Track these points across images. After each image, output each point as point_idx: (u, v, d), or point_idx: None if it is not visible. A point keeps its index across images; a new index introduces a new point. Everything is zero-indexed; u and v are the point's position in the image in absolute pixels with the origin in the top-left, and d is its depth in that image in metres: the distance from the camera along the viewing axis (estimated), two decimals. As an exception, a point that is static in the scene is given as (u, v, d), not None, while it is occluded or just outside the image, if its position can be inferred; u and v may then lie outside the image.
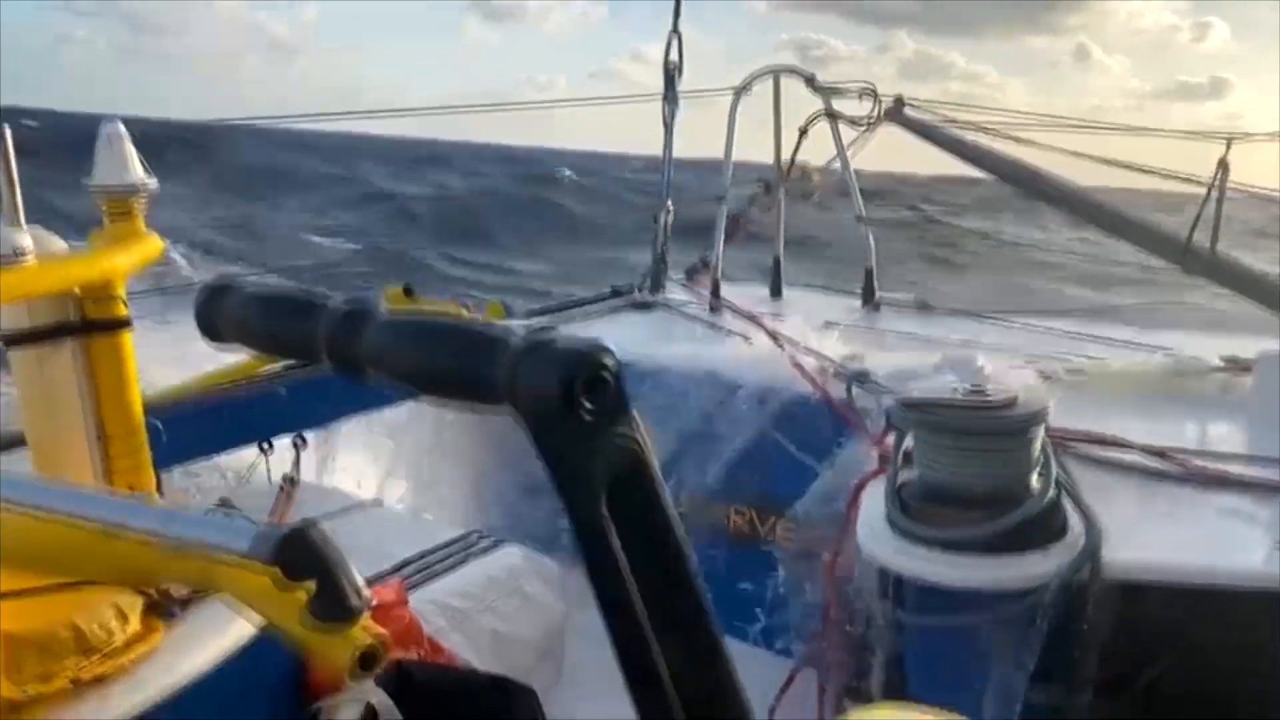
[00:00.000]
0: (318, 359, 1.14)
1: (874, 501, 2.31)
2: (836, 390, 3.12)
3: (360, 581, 1.09)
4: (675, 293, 4.59)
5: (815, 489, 2.89)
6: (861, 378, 3.08)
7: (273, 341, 1.28)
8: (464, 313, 4.10)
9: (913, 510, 2.17)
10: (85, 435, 2.19)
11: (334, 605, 1.07)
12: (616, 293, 4.56)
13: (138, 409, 2.27)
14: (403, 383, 1.11)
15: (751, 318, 3.95)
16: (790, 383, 3.30)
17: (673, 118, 4.49)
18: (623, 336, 3.93)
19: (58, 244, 2.13)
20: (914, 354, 3.49)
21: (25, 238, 1.94)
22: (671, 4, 4.37)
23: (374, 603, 1.07)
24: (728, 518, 3.52)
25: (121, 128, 2.24)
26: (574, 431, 0.92)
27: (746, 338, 3.79)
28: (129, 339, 2.22)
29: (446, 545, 2.82)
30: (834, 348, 3.50)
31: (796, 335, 3.63)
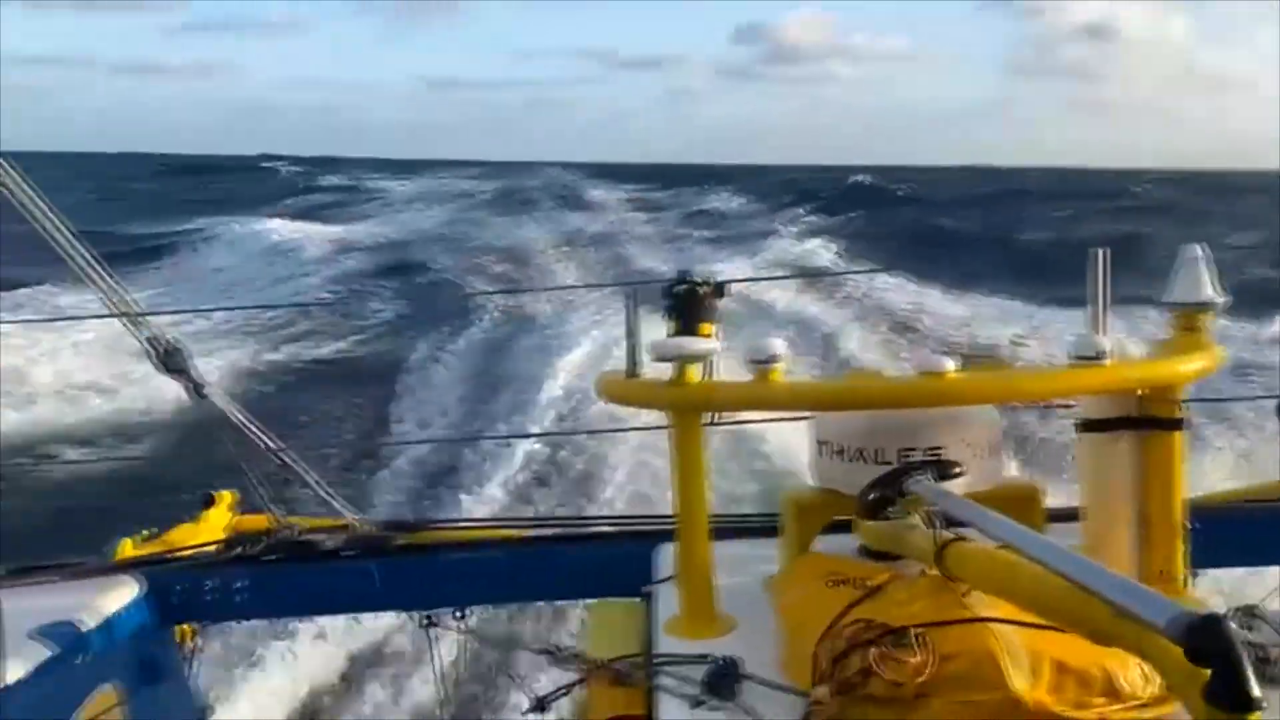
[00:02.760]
0: None
1: None
2: None
3: (1253, 680, 1.17)
4: None
5: None
6: None
7: None
8: None
9: None
10: (1129, 519, 2.48)
11: (1230, 693, 1.18)
12: None
13: (1179, 505, 2.47)
14: None
15: None
16: None
17: None
18: None
19: (1132, 349, 2.47)
20: None
21: (1106, 343, 2.31)
22: None
23: (1264, 705, 1.14)
24: None
25: (1199, 250, 2.49)
26: None
27: None
28: (1180, 440, 2.44)
29: None
30: None
31: None
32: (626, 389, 2.42)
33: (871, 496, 2.17)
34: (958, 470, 2.26)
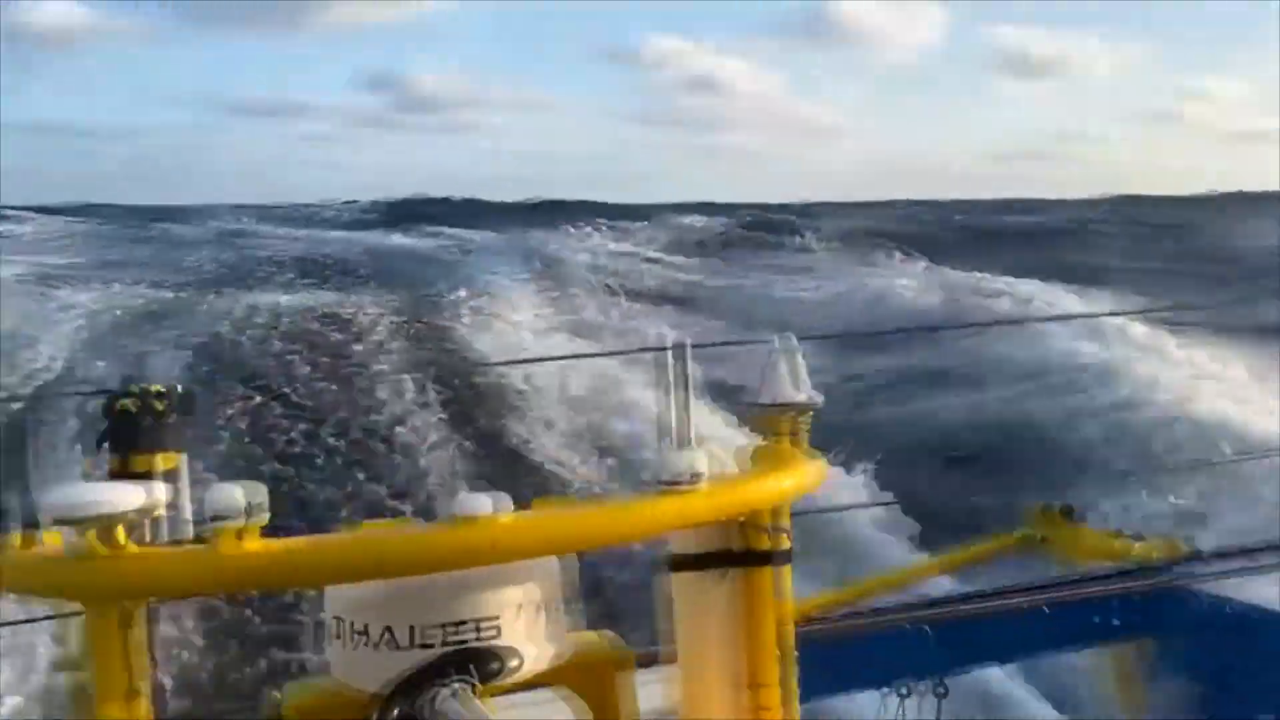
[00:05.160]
0: None
1: None
2: None
3: None
4: None
5: None
6: None
7: None
8: (1131, 546, 3.39)
9: None
10: (733, 661, 2.02)
11: None
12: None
13: (789, 644, 2.05)
14: None
15: None
16: None
17: None
18: None
19: (724, 463, 2.00)
20: None
21: (702, 460, 1.80)
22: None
23: None
24: None
25: (794, 341, 2.11)
26: None
27: None
28: (788, 573, 2.01)
29: None
30: None
31: None
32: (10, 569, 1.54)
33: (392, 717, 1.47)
34: (512, 663, 1.63)
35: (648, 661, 2.23)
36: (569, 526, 1.72)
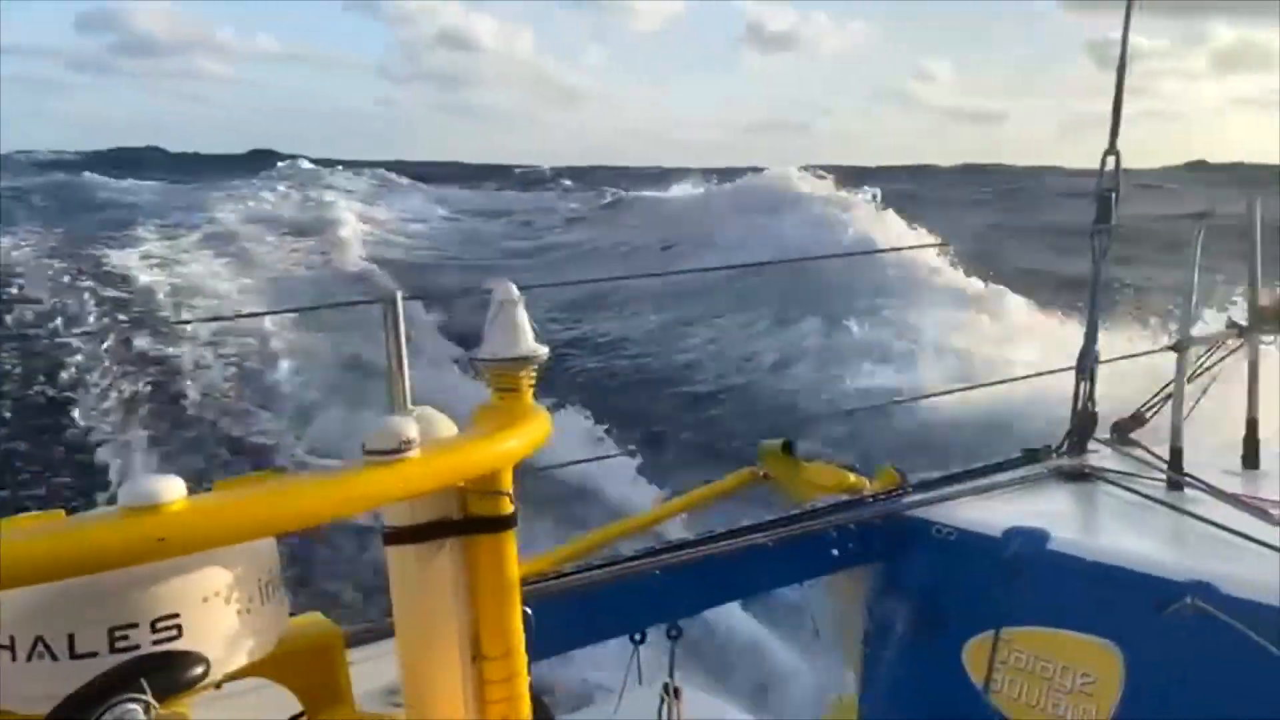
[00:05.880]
0: None
1: None
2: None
3: None
4: (1109, 459, 3.78)
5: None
6: None
7: None
8: (849, 478, 3.54)
9: None
10: (457, 636, 1.90)
11: None
12: (1032, 456, 3.83)
13: (516, 613, 1.96)
14: None
15: (1234, 499, 3.10)
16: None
17: (1104, 253, 3.78)
18: (1046, 517, 3.21)
19: (444, 426, 1.87)
20: None
21: (412, 426, 1.67)
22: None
23: None
24: None
25: (514, 290, 1.99)
26: None
27: (1225, 528, 2.96)
28: (512, 538, 1.90)
29: None
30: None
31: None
32: None
33: None
34: (197, 668, 1.44)
35: (383, 636, 2.09)
36: (255, 509, 1.52)
